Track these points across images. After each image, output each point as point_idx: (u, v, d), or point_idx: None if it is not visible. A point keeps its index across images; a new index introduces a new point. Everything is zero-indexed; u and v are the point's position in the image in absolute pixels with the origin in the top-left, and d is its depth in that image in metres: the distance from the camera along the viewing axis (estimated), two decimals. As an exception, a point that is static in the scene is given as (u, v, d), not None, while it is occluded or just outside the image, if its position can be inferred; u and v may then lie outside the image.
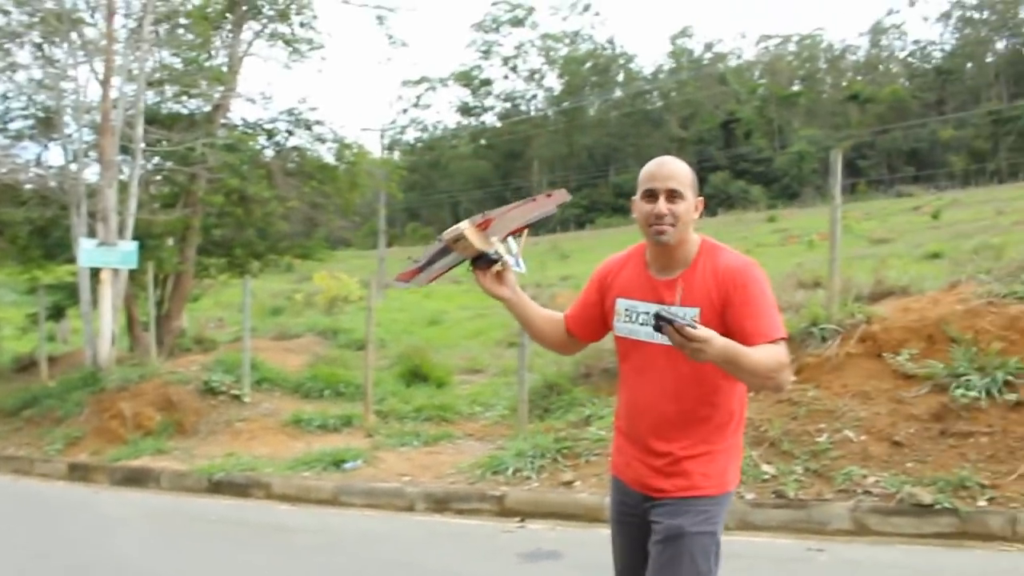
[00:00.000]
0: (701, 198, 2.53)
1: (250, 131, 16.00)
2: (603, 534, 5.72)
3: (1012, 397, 5.74)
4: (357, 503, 7.09)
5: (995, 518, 5.04)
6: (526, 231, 2.68)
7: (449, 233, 2.48)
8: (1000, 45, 78.27)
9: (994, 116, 69.46)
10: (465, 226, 2.47)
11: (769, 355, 2.27)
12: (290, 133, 16.41)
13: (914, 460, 5.66)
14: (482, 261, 2.54)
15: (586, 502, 6.12)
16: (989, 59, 78.18)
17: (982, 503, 5.14)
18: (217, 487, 7.85)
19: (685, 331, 2.07)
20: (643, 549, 2.56)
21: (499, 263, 2.57)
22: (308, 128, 16.21)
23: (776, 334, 2.33)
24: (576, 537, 5.67)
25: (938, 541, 5.06)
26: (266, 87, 34.84)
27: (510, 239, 2.63)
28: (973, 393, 5.83)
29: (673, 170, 2.46)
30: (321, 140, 16.39)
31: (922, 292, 7.39)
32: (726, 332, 2.30)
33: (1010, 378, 5.84)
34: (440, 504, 6.76)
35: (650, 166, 2.51)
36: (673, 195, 2.43)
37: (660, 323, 2.10)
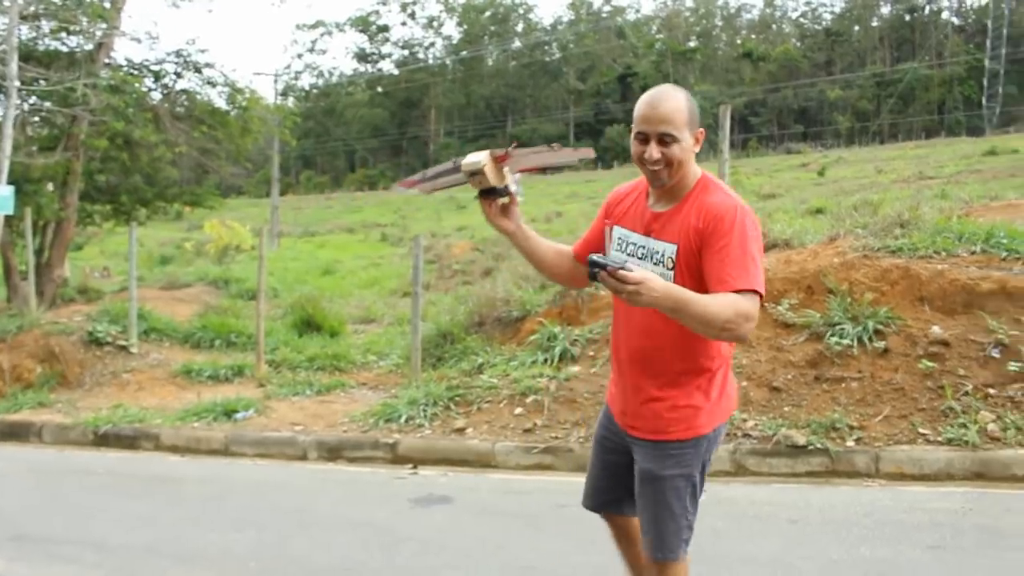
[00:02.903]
0: (701, 129, 2.38)
1: (135, 72, 15.29)
2: (493, 479, 5.86)
3: (881, 345, 6.09)
4: (249, 453, 7.03)
5: (861, 457, 5.37)
6: (537, 172, 2.67)
7: (468, 165, 2.44)
8: (885, 10, 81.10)
9: (878, 78, 72.13)
10: (485, 160, 2.42)
11: (725, 304, 2.13)
12: (178, 76, 15.75)
13: (791, 404, 5.96)
14: (492, 194, 2.51)
15: (477, 448, 6.22)
16: (875, 23, 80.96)
17: (850, 443, 5.47)
18: (103, 440, 7.63)
19: (618, 274, 2.00)
20: (614, 476, 2.67)
21: (507, 197, 2.53)
22: (198, 71, 15.58)
23: (742, 284, 2.18)
24: (467, 482, 5.77)
25: (809, 479, 5.37)
26: (152, 26, 33.55)
27: (518, 175, 2.56)
28: (846, 341, 6.16)
29: (665, 113, 2.29)
30: (211, 84, 15.80)
31: (804, 245, 7.71)
32: (701, 273, 2.28)
33: (880, 327, 6.19)
34: (333, 452, 6.76)
35: (643, 105, 2.33)
36: (665, 139, 2.29)
37: (593, 269, 2.04)
